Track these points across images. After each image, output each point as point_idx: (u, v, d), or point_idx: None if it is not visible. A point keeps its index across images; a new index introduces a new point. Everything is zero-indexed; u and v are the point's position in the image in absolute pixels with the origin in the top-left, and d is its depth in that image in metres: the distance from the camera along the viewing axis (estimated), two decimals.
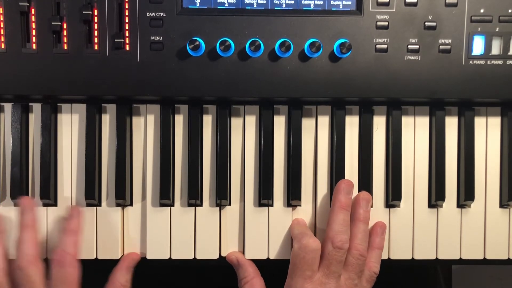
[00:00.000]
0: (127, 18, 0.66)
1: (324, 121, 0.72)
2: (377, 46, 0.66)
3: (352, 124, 0.72)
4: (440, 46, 0.67)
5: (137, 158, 0.71)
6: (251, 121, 0.71)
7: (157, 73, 0.66)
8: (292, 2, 0.67)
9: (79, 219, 0.68)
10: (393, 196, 0.71)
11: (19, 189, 0.69)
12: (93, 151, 0.69)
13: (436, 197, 0.71)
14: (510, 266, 0.73)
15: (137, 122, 0.71)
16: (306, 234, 0.66)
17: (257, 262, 0.70)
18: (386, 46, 0.66)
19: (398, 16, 0.66)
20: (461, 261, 0.72)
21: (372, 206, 0.71)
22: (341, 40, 0.66)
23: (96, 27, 0.66)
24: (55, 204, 0.70)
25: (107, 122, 0.71)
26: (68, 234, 0.66)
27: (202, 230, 0.71)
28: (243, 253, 0.71)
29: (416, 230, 0.72)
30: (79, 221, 0.67)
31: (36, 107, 0.70)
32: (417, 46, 0.67)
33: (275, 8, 0.67)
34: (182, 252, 0.70)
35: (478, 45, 0.67)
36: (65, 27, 0.66)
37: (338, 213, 0.67)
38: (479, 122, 0.72)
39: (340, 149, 0.70)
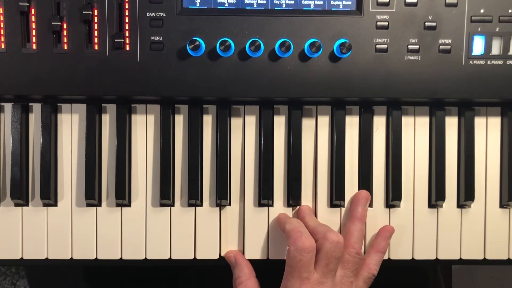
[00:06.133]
0: (127, 18, 0.66)
1: (324, 121, 0.72)
2: (377, 46, 0.66)
3: (352, 124, 0.72)
4: (440, 46, 0.67)
5: (137, 158, 0.71)
6: (251, 121, 0.71)
7: (157, 73, 0.66)
8: (292, 2, 0.67)
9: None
10: (393, 196, 0.70)
11: (19, 189, 0.68)
12: (93, 151, 0.69)
13: (436, 197, 0.71)
14: (510, 266, 0.73)
15: (137, 122, 0.71)
16: (301, 233, 0.63)
17: (256, 262, 0.71)
18: (386, 46, 0.66)
19: (398, 16, 0.66)
20: (461, 261, 0.72)
21: (371, 206, 0.71)
22: (341, 40, 0.66)
23: (96, 27, 0.66)
24: (55, 204, 0.70)
25: (107, 122, 0.71)
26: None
27: (202, 230, 0.71)
28: (243, 253, 0.71)
29: (416, 230, 0.72)
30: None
31: (36, 107, 0.70)
32: (417, 46, 0.67)
33: (275, 8, 0.67)
34: (182, 252, 0.71)
35: (478, 45, 0.67)
36: (65, 27, 0.66)
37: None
38: (479, 122, 0.72)
39: (340, 149, 0.70)
